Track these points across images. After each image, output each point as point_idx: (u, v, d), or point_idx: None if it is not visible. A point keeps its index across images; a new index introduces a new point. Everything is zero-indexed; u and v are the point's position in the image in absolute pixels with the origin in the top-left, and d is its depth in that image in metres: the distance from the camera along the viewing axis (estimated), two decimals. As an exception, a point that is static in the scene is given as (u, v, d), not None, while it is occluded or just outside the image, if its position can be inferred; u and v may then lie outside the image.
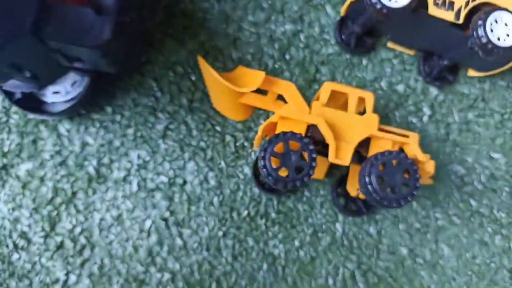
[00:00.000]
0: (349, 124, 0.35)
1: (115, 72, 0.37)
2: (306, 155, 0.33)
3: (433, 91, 0.46)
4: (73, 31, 0.28)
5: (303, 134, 0.34)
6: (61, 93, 0.39)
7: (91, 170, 0.42)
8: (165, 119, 0.43)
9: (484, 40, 0.38)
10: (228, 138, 0.43)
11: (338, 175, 0.43)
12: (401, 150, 0.37)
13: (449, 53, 0.43)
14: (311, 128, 0.35)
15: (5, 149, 0.41)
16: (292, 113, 0.35)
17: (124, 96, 0.43)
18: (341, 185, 0.42)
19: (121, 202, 0.42)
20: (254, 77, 0.38)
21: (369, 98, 0.36)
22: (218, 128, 0.43)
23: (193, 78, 0.43)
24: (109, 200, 0.42)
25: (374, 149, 0.36)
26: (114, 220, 0.41)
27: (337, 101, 0.38)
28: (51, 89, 0.39)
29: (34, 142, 0.41)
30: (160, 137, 0.43)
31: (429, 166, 0.36)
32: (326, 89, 0.36)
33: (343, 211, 0.41)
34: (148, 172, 0.42)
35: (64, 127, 0.42)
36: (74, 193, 0.41)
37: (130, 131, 0.42)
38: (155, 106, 0.43)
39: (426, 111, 0.46)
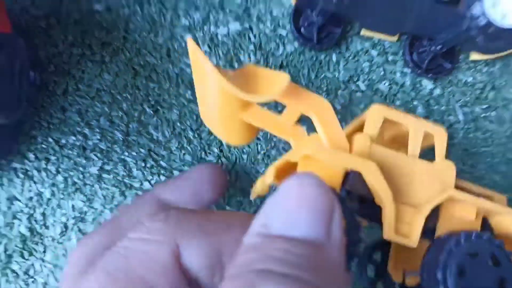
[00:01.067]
0: (413, 176, 0.23)
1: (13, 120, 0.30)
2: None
3: (427, 84, 0.36)
4: None
5: (338, 187, 0.22)
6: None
7: (23, 229, 0.36)
8: (98, 160, 0.36)
9: (483, 21, 0.28)
10: (176, 174, 0.36)
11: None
12: (484, 220, 0.25)
13: (441, 35, 0.33)
14: (352, 178, 0.22)
15: None
16: (329, 154, 0.21)
17: (46, 137, 0.36)
18: (375, 260, 0.28)
19: (63, 261, 0.36)
20: (273, 81, 0.22)
21: (441, 136, 0.24)
22: (163, 163, 0.36)
23: (124, 106, 0.36)
24: (49, 261, 0.36)
25: (447, 221, 0.23)
26: (59, 283, 0.36)
27: (381, 134, 0.27)
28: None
29: (-47, 205, 0.36)
30: (95, 181, 0.36)
31: None
32: (376, 115, 0.24)
33: None
34: (87, 224, 0.36)
35: (-18, 184, 0.36)
36: (9, 256, 0.36)
37: (60, 178, 0.36)
38: (84, 145, 0.36)
39: (420, 110, 0.36)
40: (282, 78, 0.20)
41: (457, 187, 0.24)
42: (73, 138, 0.36)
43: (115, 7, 0.35)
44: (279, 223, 0.15)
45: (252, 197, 0.28)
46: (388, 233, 0.21)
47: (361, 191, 0.22)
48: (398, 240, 0.21)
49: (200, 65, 0.20)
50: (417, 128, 0.24)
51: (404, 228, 0.22)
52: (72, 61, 0.36)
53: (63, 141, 0.36)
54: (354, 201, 0.23)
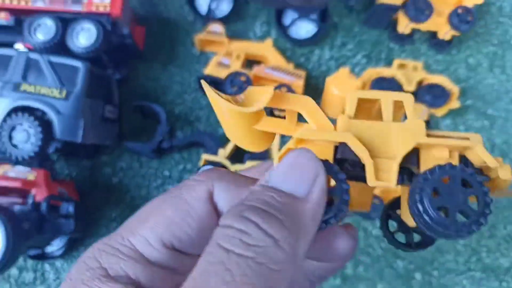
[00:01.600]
0: (389, 136, 0.28)
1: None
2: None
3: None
4: None
5: (331, 160, 0.27)
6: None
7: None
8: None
9: None
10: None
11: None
12: (463, 159, 0.28)
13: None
14: (341, 148, 0.28)
15: None
16: (312, 133, 0.27)
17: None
18: (394, 213, 0.33)
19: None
20: (263, 94, 0.29)
21: (408, 101, 0.29)
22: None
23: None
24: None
25: (426, 163, 0.27)
26: None
27: (368, 113, 0.31)
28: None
29: None
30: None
31: (505, 173, 0.27)
32: (351, 99, 0.29)
33: (400, 245, 0.31)
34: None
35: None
36: None
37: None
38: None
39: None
40: (268, 91, 0.27)
41: (434, 136, 0.28)
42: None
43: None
44: (275, 179, 0.23)
45: None
46: (370, 180, 0.26)
47: (351, 157, 0.27)
48: (380, 184, 0.26)
49: (213, 97, 0.26)
50: (386, 99, 0.29)
51: (384, 175, 0.27)
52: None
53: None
54: (347, 167, 0.28)
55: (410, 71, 0.80)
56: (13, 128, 0.66)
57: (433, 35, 0.85)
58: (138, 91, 0.84)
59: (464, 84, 0.85)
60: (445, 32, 0.81)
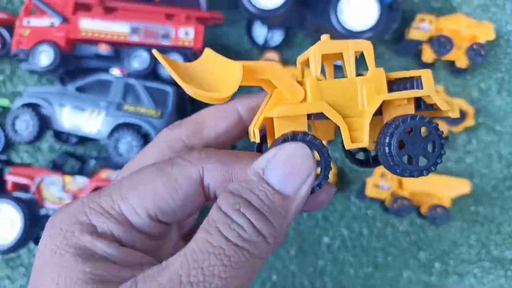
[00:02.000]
0: (355, 92, 0.29)
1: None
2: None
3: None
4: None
5: (307, 128, 0.29)
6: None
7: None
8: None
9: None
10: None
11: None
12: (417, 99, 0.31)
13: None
14: (313, 115, 0.30)
15: None
16: (289, 110, 0.28)
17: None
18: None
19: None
20: (230, 71, 0.27)
21: (368, 49, 0.30)
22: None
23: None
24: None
25: (389, 112, 0.30)
26: None
27: (330, 60, 0.32)
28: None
29: None
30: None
31: (453, 113, 0.30)
32: (316, 56, 0.29)
33: (352, 160, 0.34)
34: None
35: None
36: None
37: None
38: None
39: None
40: (236, 69, 0.26)
41: (390, 79, 0.30)
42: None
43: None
44: (271, 174, 0.26)
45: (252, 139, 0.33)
46: (347, 145, 0.29)
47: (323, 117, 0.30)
48: (355, 146, 0.29)
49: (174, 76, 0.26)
50: (348, 52, 0.30)
51: (357, 135, 0.29)
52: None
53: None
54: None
55: (433, 94, 0.96)
56: (118, 140, 0.82)
57: (451, 63, 1.01)
58: (204, 107, 1.00)
59: (476, 104, 1.01)
60: (462, 62, 0.98)
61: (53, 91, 0.86)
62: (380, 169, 0.93)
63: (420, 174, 0.28)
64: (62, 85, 0.91)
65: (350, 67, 0.29)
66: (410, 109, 0.30)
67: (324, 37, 0.30)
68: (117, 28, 0.86)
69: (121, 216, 0.27)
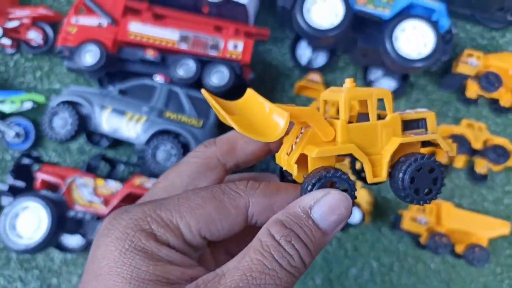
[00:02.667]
0: (375, 134, 0.34)
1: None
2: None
3: None
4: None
5: (334, 162, 0.34)
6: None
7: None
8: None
9: None
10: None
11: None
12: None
13: None
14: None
15: None
16: (325, 151, 0.33)
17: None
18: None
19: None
20: (273, 119, 0.31)
21: (387, 96, 0.35)
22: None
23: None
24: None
25: (401, 150, 0.35)
26: None
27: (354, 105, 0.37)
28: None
29: None
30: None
31: (452, 152, 0.36)
32: (346, 102, 0.34)
33: (359, 177, 0.39)
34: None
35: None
36: None
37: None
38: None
39: None
40: (283, 116, 0.30)
41: (404, 121, 0.35)
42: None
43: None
44: (317, 214, 0.31)
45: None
46: (370, 179, 0.34)
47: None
48: (376, 181, 0.34)
49: (222, 115, 0.31)
50: (372, 98, 0.34)
51: (377, 170, 0.34)
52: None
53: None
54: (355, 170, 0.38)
55: (476, 130, 0.94)
56: (156, 147, 0.80)
57: (494, 101, 0.99)
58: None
59: (518, 145, 0.99)
60: (506, 101, 0.96)
61: (94, 91, 0.85)
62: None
63: (425, 202, 0.34)
64: (101, 87, 0.89)
65: (373, 112, 0.34)
66: (417, 146, 0.35)
67: (348, 81, 0.34)
68: (167, 35, 0.85)
69: (177, 230, 0.31)
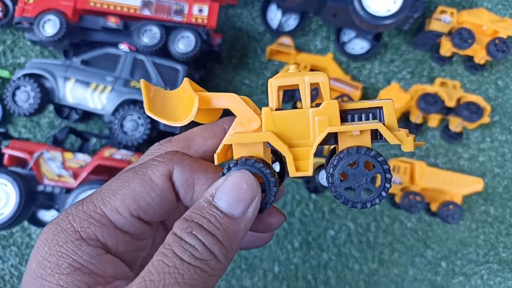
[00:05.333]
0: (307, 122, 0.30)
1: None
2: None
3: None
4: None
5: (262, 152, 0.31)
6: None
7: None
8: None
9: None
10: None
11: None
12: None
13: None
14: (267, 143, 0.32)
15: None
16: (238, 138, 0.31)
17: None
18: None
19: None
20: (188, 104, 0.30)
21: (323, 82, 0.30)
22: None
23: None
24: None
25: (344, 142, 0.31)
26: None
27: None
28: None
29: None
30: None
31: (407, 147, 0.30)
32: (272, 88, 0.31)
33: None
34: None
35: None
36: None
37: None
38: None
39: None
40: (193, 100, 0.29)
41: (347, 110, 0.31)
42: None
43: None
44: (219, 200, 0.28)
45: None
46: (292, 173, 0.30)
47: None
48: (299, 175, 0.30)
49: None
50: (304, 84, 0.30)
51: (304, 164, 0.30)
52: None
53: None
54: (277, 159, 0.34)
55: (450, 88, 0.93)
56: (123, 118, 0.78)
57: (469, 58, 0.98)
58: (213, 90, 0.96)
59: (492, 102, 0.99)
60: (481, 58, 0.95)
61: (57, 63, 0.82)
62: (391, 163, 0.90)
63: (363, 206, 0.29)
64: (66, 58, 0.87)
65: (305, 99, 0.30)
66: (366, 140, 0.30)
67: (293, 68, 0.31)
68: (128, 1, 0.82)
69: (104, 218, 0.29)
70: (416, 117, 0.93)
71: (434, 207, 0.90)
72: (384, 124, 0.30)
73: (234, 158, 0.31)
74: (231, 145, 0.31)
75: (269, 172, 0.30)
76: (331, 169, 0.29)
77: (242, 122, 0.31)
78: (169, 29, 0.82)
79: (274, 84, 0.30)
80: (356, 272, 0.93)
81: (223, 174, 0.30)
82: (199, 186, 0.30)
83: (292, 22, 0.98)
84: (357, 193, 0.29)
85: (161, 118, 0.30)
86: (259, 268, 0.93)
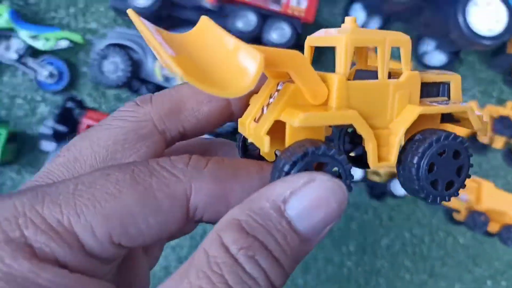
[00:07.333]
0: (385, 98, 0.24)
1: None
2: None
3: None
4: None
5: (323, 135, 0.24)
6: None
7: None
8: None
9: None
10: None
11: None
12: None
13: None
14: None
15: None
16: (315, 120, 0.22)
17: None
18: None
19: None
20: (238, 61, 0.19)
21: (406, 46, 0.24)
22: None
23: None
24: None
25: (417, 125, 0.25)
26: None
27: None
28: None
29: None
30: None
31: (484, 131, 0.26)
32: (348, 49, 0.23)
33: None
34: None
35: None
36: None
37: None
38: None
39: None
40: (255, 57, 0.18)
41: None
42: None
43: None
44: (295, 212, 0.19)
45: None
46: (374, 164, 0.24)
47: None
48: (381, 166, 0.24)
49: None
50: (384, 46, 0.23)
51: (383, 151, 0.24)
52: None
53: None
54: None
55: (521, 113, 0.94)
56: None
57: (538, 84, 0.99)
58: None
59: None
60: (552, 86, 0.96)
61: (147, 36, 0.79)
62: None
63: (443, 199, 0.25)
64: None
65: (384, 67, 0.23)
66: (437, 122, 0.26)
67: (349, 20, 0.24)
68: (228, -18, 0.79)
69: (71, 236, 0.19)
70: (484, 138, 0.94)
71: (492, 227, 0.92)
72: (448, 100, 0.26)
73: (288, 143, 0.22)
74: (278, 122, 0.22)
75: (350, 168, 0.22)
76: (417, 158, 0.24)
77: (299, 93, 0.22)
78: (265, 17, 0.80)
79: (351, 43, 0.22)
80: (406, 282, 0.95)
81: (294, 165, 0.21)
82: (234, 197, 0.22)
83: (373, 24, 0.96)
84: (441, 186, 0.24)
85: (203, 85, 0.18)
86: (313, 267, 0.93)
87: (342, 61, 0.23)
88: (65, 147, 0.25)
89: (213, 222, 0.21)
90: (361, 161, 0.26)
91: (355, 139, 0.28)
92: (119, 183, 0.20)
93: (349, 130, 0.28)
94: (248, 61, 0.18)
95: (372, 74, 0.24)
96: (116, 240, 0.20)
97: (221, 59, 0.19)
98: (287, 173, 0.21)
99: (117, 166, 0.21)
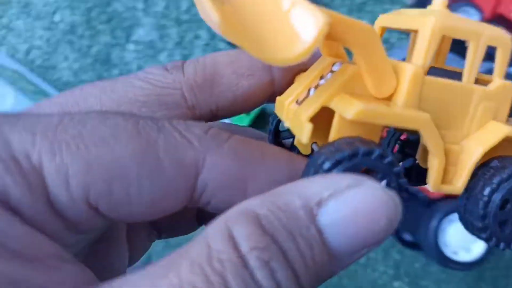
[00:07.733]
0: (467, 110, 0.19)
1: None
2: None
3: None
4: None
5: (378, 136, 0.19)
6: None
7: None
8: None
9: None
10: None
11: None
12: None
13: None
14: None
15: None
16: (380, 117, 0.17)
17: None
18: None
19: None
20: (291, 30, 0.15)
21: (506, 47, 0.19)
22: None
23: None
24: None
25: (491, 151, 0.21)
26: None
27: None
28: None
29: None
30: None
31: None
32: (432, 35, 0.18)
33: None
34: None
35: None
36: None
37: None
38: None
39: None
40: (312, 19, 0.14)
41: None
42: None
43: None
44: (329, 220, 0.15)
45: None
46: (435, 187, 0.19)
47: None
48: (443, 190, 0.19)
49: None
50: (478, 42, 0.19)
51: (448, 172, 0.19)
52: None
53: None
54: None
55: None
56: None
57: None
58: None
59: None
60: None
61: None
62: None
63: (508, 246, 0.20)
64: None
65: (472, 66, 0.19)
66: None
67: (440, 1, 0.19)
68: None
69: (37, 175, 0.15)
70: None
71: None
72: None
73: (334, 136, 0.18)
74: (326, 110, 0.18)
75: (405, 182, 0.18)
76: (489, 190, 0.19)
77: (360, 78, 0.18)
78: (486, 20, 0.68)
79: (437, 28, 0.18)
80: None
81: (337, 163, 0.16)
82: (255, 186, 0.17)
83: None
84: (510, 229, 0.20)
85: (249, 45, 0.14)
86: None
87: (423, 50, 0.18)
88: (69, 90, 0.21)
89: (221, 212, 0.16)
90: (409, 177, 0.21)
91: (406, 149, 0.23)
92: (117, 128, 0.16)
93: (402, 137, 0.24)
94: (307, 23, 0.14)
95: (450, 76, 0.19)
96: (93, 200, 0.15)
97: (273, 17, 0.16)
98: (326, 171, 0.16)
99: (120, 113, 0.17)
